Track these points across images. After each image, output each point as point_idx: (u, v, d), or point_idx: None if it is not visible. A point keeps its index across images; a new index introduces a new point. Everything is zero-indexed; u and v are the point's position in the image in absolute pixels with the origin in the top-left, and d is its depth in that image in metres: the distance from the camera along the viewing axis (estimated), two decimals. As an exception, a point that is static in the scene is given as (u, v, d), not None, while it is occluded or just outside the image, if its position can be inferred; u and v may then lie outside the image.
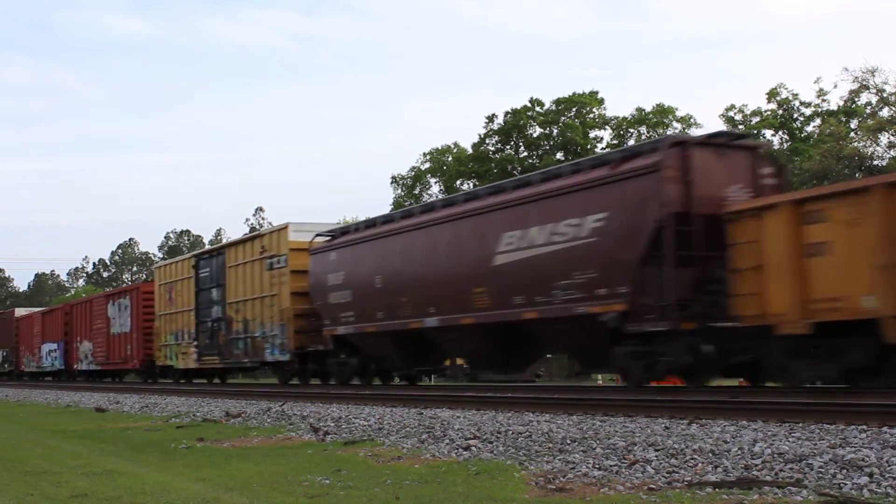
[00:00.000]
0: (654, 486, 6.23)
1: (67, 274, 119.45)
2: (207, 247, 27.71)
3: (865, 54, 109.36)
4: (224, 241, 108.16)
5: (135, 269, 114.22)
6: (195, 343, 28.36)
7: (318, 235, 22.61)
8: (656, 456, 7.29)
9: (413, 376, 22.18)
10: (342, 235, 21.78)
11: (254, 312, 24.59)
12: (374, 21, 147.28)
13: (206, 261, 28.30)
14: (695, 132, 45.83)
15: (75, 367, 41.13)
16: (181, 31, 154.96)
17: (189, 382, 31.67)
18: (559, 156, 54.50)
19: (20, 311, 53.97)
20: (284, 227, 23.58)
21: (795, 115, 48.41)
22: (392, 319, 19.17)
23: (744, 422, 9.17)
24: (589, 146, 54.22)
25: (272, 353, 23.70)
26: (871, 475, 6.00)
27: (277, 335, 23.31)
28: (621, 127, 56.54)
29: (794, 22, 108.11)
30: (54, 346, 44.44)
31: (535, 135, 57.24)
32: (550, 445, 8.36)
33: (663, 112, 54.97)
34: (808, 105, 48.17)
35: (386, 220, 20.70)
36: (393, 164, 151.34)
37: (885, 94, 38.54)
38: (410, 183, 64.64)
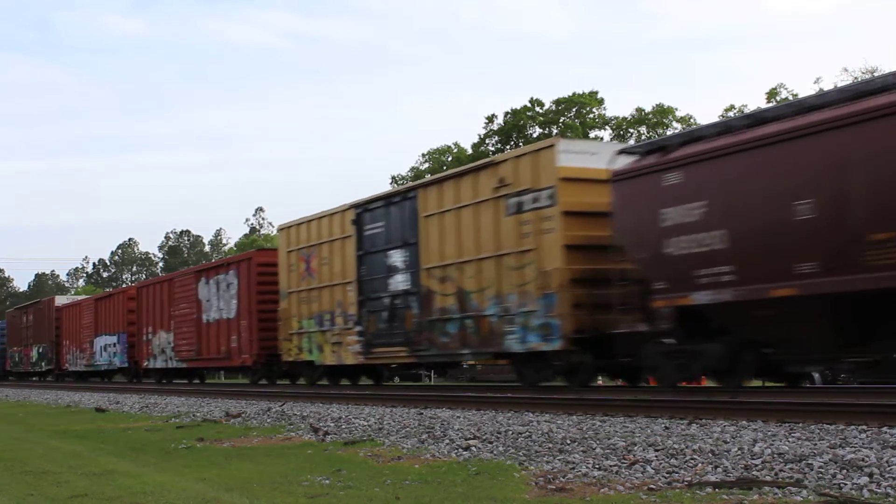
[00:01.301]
0: (654, 486, 6.24)
1: (67, 274, 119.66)
2: (372, 194, 20.38)
3: (865, 54, 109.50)
4: (225, 241, 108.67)
5: (134, 269, 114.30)
6: (358, 328, 20.17)
7: (622, 152, 14.75)
8: (656, 456, 7.30)
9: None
10: (687, 145, 13.53)
11: (480, 280, 16.71)
12: (373, 21, 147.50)
13: (377, 211, 19.81)
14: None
15: (145, 364, 32.61)
16: (181, 32, 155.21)
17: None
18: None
19: (62, 300, 45.42)
20: (549, 147, 15.57)
21: (795, 116, 48.44)
22: (845, 273, 11.06)
23: (744, 422, 9.18)
24: (589, 146, 54.17)
25: (522, 339, 15.82)
26: (871, 475, 6.00)
27: (537, 312, 15.44)
28: (621, 127, 56.59)
29: (793, 22, 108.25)
30: (113, 339, 36.06)
31: (535, 135, 57.30)
32: (550, 445, 8.36)
33: (663, 112, 55.03)
34: (807, 105, 48.16)
35: (799, 109, 12.15)
36: (393, 164, 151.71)
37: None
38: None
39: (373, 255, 19.84)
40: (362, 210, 20.27)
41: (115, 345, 35.82)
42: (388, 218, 19.47)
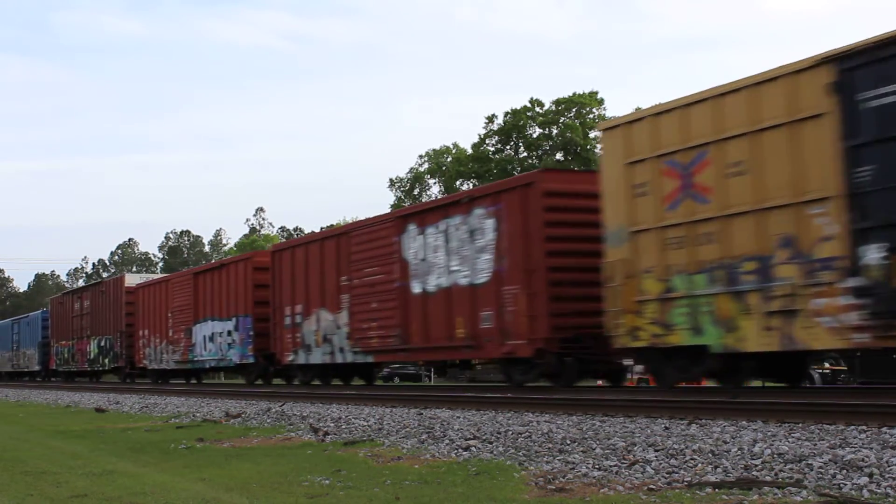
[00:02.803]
0: (653, 487, 6.24)
1: (67, 274, 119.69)
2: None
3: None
4: (225, 241, 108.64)
5: (134, 269, 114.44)
6: (853, 283, 11.24)
7: None
8: (656, 456, 7.30)
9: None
10: None
11: None
12: (371, 22, 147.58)
13: None
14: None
15: (288, 358, 23.03)
16: (179, 32, 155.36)
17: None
18: (559, 156, 54.57)
19: (134, 279, 34.94)
20: None
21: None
22: None
23: (744, 422, 9.18)
24: (589, 146, 54.26)
25: None
26: (870, 475, 6.00)
27: None
28: (621, 127, 56.56)
29: (792, 21, 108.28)
30: (226, 325, 26.34)
31: (534, 135, 57.33)
32: (550, 446, 8.36)
33: (663, 112, 54.97)
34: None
35: None
36: (393, 164, 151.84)
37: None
38: (408, 185, 64.76)
39: None
40: (864, 62, 11.27)
41: (229, 333, 26.15)
42: None
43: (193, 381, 32.01)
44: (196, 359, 28.44)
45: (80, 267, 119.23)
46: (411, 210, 19.93)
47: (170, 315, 30.22)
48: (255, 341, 24.89)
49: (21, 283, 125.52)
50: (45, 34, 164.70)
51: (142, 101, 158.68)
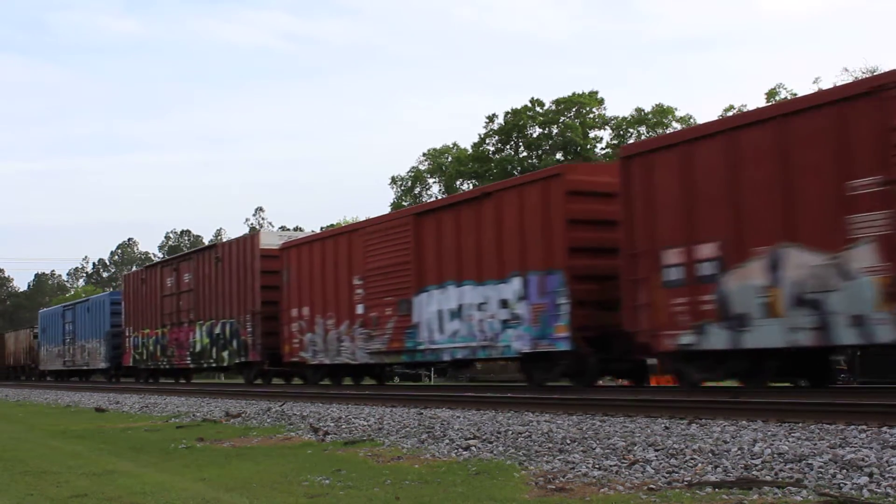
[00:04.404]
0: (653, 486, 6.24)
1: (67, 274, 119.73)
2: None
3: (865, 54, 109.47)
4: (225, 241, 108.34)
5: (134, 269, 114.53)
6: None
7: None
8: (656, 456, 7.30)
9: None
10: None
11: None
12: (371, 22, 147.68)
13: None
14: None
15: (673, 342, 13.17)
16: (177, 32, 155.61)
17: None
18: (559, 156, 54.57)
19: (272, 238, 25.48)
20: None
21: (795, 115, 48.40)
22: None
23: (744, 422, 9.17)
24: (589, 146, 54.29)
25: None
26: (870, 475, 6.00)
27: None
28: (621, 127, 56.59)
29: (792, 22, 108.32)
30: (497, 290, 16.38)
31: (534, 135, 57.32)
32: (550, 445, 8.36)
33: (662, 112, 55.05)
34: (807, 105, 48.23)
35: None
36: (393, 164, 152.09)
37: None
38: (409, 184, 64.77)
39: None
40: None
41: (505, 304, 16.28)
42: None
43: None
44: (422, 347, 18.52)
45: (80, 267, 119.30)
46: None
47: (359, 282, 20.42)
48: (572, 315, 15.01)
49: (21, 283, 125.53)
50: (44, 34, 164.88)
51: (142, 101, 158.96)
